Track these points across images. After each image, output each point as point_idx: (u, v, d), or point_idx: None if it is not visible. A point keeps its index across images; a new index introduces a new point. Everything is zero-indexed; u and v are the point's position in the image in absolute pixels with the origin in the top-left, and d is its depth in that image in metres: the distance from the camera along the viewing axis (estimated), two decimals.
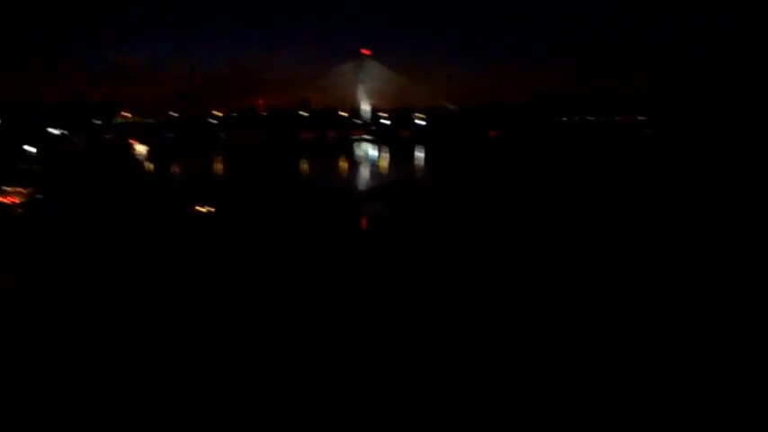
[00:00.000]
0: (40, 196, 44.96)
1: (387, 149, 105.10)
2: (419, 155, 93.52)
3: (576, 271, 22.93)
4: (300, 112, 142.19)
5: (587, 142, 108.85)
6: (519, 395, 13.10)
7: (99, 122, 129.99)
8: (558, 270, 23.08)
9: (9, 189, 44.03)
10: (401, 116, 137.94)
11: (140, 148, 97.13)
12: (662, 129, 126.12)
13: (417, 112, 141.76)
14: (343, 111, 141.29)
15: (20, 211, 39.76)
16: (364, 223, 38.01)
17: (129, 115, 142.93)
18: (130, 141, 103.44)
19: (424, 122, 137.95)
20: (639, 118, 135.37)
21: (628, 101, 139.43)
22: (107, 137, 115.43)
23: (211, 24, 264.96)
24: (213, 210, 38.75)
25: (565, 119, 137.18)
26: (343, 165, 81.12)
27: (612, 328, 16.58)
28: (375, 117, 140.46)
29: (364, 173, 68.93)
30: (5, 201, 41.37)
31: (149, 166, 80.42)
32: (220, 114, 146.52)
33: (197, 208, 38.69)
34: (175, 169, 74.52)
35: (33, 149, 76.66)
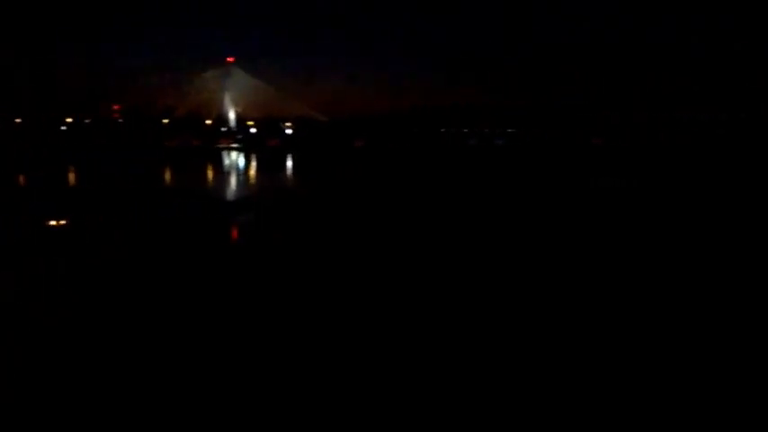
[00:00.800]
0: None
1: (254, 158, 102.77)
2: (287, 164, 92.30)
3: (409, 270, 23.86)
4: (164, 120, 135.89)
5: (450, 153, 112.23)
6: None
7: None
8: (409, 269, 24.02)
9: None
10: (269, 125, 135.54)
11: None
12: (510, 139, 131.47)
13: (285, 120, 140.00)
14: (208, 119, 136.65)
15: None
16: (233, 233, 36.54)
17: None
18: None
19: (291, 131, 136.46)
20: (486, 129, 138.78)
21: (494, 113, 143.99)
22: None
23: (71, 26, 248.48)
24: (67, 222, 35.55)
25: (443, 130, 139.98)
26: (210, 174, 78.12)
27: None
28: (242, 125, 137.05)
29: (231, 182, 66.78)
30: None
31: None
32: (69, 120, 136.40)
33: (50, 222, 35.35)
34: (22, 181, 68.21)
35: None
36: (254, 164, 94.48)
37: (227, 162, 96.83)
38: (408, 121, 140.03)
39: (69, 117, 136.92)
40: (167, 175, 75.58)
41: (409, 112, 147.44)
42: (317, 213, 41.50)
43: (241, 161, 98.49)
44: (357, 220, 38.32)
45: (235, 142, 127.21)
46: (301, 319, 18.09)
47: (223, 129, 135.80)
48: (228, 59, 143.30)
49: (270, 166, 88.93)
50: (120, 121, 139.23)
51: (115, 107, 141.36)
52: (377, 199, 48.22)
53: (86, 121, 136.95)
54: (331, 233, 33.67)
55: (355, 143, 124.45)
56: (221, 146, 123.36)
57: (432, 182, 61.16)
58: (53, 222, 35.28)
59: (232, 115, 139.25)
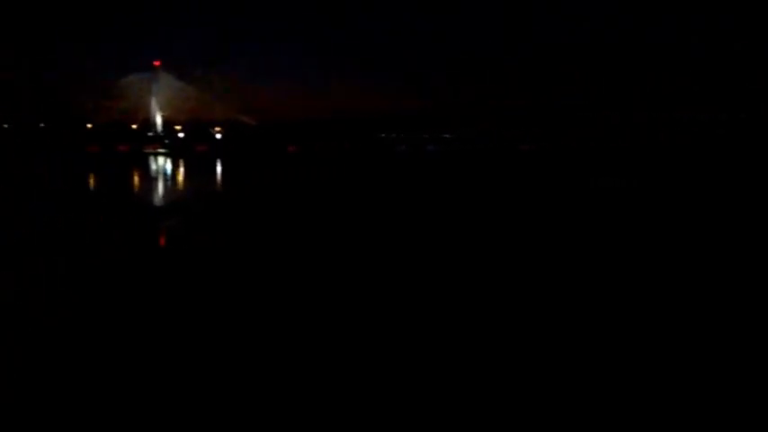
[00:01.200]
0: None
1: (182, 163, 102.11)
2: (216, 168, 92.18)
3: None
4: (87, 125, 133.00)
5: (379, 159, 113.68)
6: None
7: None
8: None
9: None
10: (197, 129, 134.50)
11: None
12: (443, 145, 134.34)
13: (215, 125, 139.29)
14: (134, 123, 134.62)
15: None
16: (161, 239, 36.99)
17: None
18: None
19: (220, 136, 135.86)
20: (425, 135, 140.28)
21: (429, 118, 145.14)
22: None
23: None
24: None
25: (383, 135, 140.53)
26: (137, 179, 77.56)
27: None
28: (169, 130, 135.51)
29: (159, 187, 66.65)
30: None
31: None
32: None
33: None
34: None
35: None
36: (181, 169, 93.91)
37: (153, 167, 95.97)
38: (347, 127, 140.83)
39: None
40: (89, 181, 74.60)
41: (350, 118, 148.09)
42: (242, 218, 42.21)
43: (168, 166, 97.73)
44: (280, 226, 39.05)
45: (162, 147, 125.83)
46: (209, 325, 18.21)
47: (150, 133, 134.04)
48: (155, 63, 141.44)
49: (197, 171, 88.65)
50: (42, 125, 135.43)
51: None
52: (298, 203, 48.89)
53: (4, 126, 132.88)
54: (253, 238, 34.41)
55: (288, 148, 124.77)
56: (148, 151, 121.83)
57: (351, 187, 62.18)
58: None
59: (159, 120, 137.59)
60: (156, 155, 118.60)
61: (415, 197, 52.33)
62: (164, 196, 58.12)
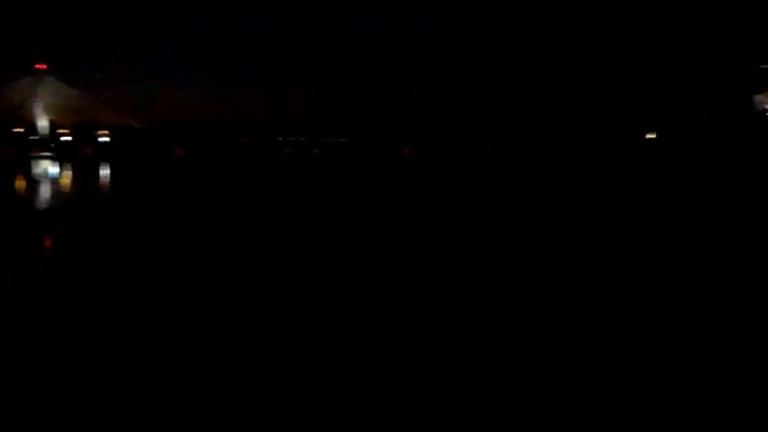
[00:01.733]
0: None
1: (68, 167, 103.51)
2: (102, 172, 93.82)
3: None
4: None
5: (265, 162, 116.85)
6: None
7: None
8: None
9: None
10: (83, 132, 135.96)
11: None
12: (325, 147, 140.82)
13: (101, 128, 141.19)
14: (18, 127, 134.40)
15: None
16: (47, 242, 39.71)
17: None
18: None
19: (107, 139, 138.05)
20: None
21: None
22: None
23: None
24: None
25: (280, 139, 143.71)
26: (21, 183, 78.94)
27: None
28: (54, 134, 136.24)
29: (44, 191, 67.91)
30: None
31: None
32: None
33: None
34: None
35: None
36: (65, 172, 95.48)
37: (36, 171, 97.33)
38: (239, 129, 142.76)
39: None
40: None
41: (246, 121, 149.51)
42: (122, 221, 44.64)
43: (52, 170, 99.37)
44: (157, 229, 41.69)
45: (47, 151, 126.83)
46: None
47: (33, 137, 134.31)
48: (39, 66, 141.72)
49: (81, 174, 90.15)
50: None
51: None
52: (179, 208, 50.40)
53: None
54: (130, 241, 36.90)
55: (175, 151, 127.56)
56: (32, 155, 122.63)
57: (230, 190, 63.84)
58: None
59: (44, 123, 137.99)
60: (40, 158, 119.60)
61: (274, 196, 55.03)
62: (44, 200, 60.18)
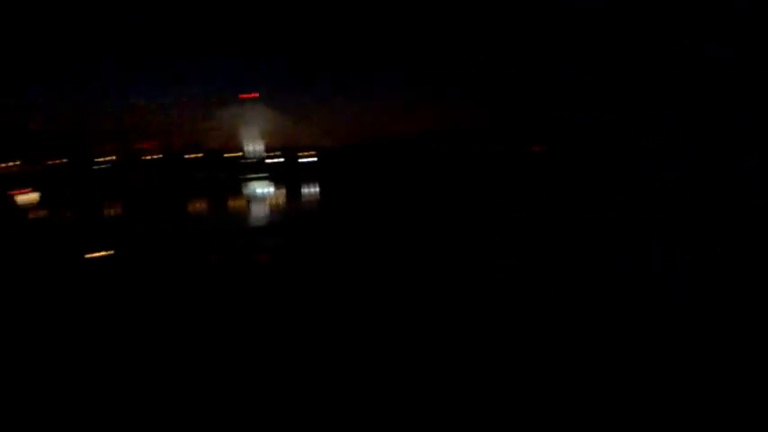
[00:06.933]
0: None
1: (277, 188, 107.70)
2: (309, 191, 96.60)
3: None
4: (189, 155, 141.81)
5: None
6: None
7: None
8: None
9: None
10: (290, 155, 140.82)
11: (29, 197, 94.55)
12: None
13: (306, 150, 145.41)
14: (232, 152, 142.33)
15: None
16: (262, 258, 40.45)
17: (15, 163, 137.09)
18: (12, 191, 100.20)
19: (312, 160, 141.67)
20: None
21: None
22: None
23: (99, 66, 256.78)
24: (110, 253, 40.38)
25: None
26: (236, 204, 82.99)
27: None
28: (264, 157, 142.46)
29: (257, 211, 71.10)
30: None
31: (40, 213, 79.19)
32: (112, 158, 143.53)
33: (89, 254, 40.01)
34: (68, 215, 74.08)
35: None
36: (277, 193, 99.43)
37: (248, 192, 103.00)
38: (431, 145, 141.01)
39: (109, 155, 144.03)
40: (196, 207, 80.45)
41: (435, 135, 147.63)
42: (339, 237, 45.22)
43: (263, 190, 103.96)
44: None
45: (258, 173, 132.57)
46: None
47: (246, 161, 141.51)
48: (250, 95, 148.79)
49: (292, 195, 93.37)
50: (157, 157, 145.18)
51: (151, 144, 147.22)
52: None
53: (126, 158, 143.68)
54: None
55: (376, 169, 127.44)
56: (245, 177, 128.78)
57: None
58: (95, 254, 40.23)
59: (255, 147, 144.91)
60: (253, 180, 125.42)
61: None
62: (259, 218, 62.67)
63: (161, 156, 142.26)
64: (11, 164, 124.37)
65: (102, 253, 40.25)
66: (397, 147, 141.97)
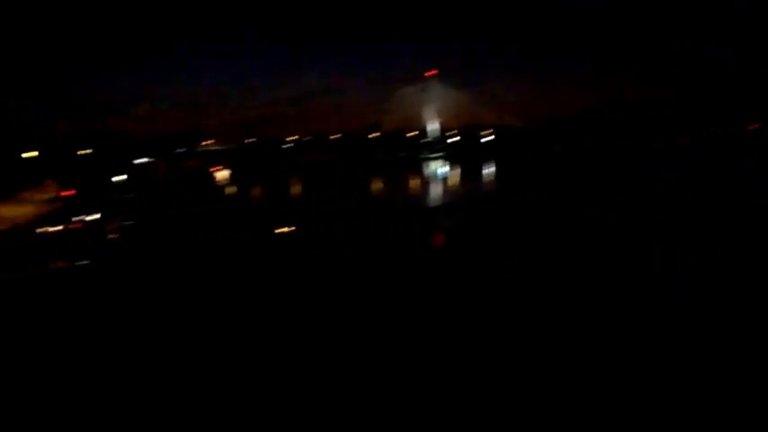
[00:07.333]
0: (131, 222, 48.32)
1: (455, 167, 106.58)
2: (487, 171, 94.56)
3: None
4: (370, 135, 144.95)
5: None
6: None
7: (182, 151, 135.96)
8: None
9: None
10: (468, 134, 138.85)
11: (223, 174, 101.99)
12: None
13: (484, 128, 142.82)
14: (411, 131, 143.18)
15: (115, 236, 43.02)
16: (440, 238, 39.68)
17: (210, 142, 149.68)
18: (212, 167, 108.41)
19: (490, 138, 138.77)
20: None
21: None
22: (190, 164, 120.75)
23: (281, 52, 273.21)
24: (293, 229, 41.01)
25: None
26: (414, 183, 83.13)
27: None
28: (443, 136, 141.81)
29: (435, 190, 70.60)
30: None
31: (232, 189, 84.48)
32: (295, 137, 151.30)
33: (278, 230, 41.07)
34: (257, 192, 78.12)
35: (121, 179, 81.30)
36: (455, 173, 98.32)
37: (428, 171, 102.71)
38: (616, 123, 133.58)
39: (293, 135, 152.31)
40: (376, 186, 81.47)
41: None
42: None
43: (443, 170, 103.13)
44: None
45: (437, 153, 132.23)
46: None
47: (425, 140, 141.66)
48: (429, 73, 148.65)
49: (470, 174, 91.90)
50: (336, 137, 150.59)
51: (331, 125, 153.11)
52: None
53: (308, 138, 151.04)
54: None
55: (554, 147, 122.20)
56: (424, 156, 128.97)
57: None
58: (282, 230, 41.02)
59: (433, 126, 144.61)
60: (431, 159, 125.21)
61: None
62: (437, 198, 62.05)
63: (341, 136, 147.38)
64: (210, 142, 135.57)
65: (286, 229, 41.04)
66: (578, 123, 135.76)
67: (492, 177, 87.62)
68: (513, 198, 54.57)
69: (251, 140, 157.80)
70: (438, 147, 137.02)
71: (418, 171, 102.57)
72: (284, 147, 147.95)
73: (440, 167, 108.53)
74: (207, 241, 38.60)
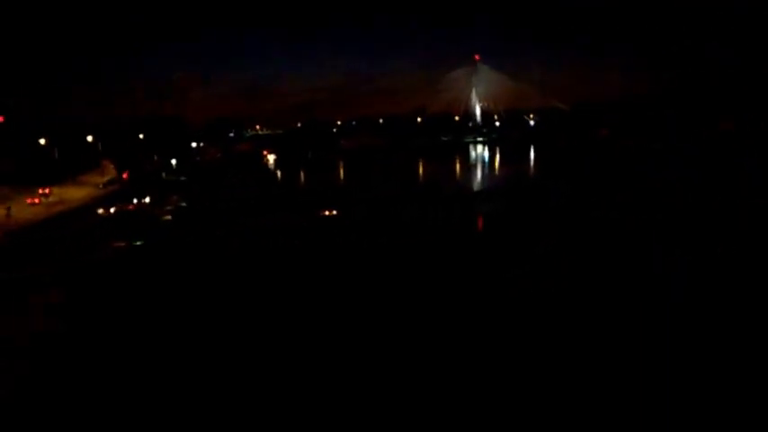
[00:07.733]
0: (184, 204, 50.47)
1: (499, 151, 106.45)
2: (530, 155, 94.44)
3: None
4: (418, 119, 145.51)
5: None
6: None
7: (232, 135, 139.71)
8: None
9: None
10: (512, 117, 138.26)
11: (270, 158, 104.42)
12: None
13: (528, 112, 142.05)
14: (456, 115, 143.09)
15: (168, 218, 45.12)
16: (479, 222, 40.71)
17: (259, 128, 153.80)
18: (262, 152, 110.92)
19: (534, 122, 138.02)
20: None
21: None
22: (240, 148, 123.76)
23: (326, 37, 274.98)
24: (337, 213, 42.57)
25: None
26: (457, 168, 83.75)
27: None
28: (487, 120, 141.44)
29: (477, 175, 71.19)
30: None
31: (279, 173, 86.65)
32: (339, 123, 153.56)
33: (322, 212, 42.65)
34: (302, 176, 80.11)
35: (174, 162, 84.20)
36: (498, 157, 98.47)
37: (472, 154, 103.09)
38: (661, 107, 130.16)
39: (338, 119, 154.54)
40: (419, 170, 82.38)
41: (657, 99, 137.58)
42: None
43: (486, 155, 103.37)
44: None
45: (481, 137, 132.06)
46: None
47: (470, 124, 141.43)
48: (474, 57, 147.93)
49: (513, 158, 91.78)
50: (381, 121, 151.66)
51: (376, 109, 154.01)
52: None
53: (353, 123, 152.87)
54: None
55: (601, 132, 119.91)
56: (468, 139, 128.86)
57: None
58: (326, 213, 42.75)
59: (478, 111, 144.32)
60: (476, 143, 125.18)
61: None
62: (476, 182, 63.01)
63: (387, 120, 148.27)
64: (260, 128, 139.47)
65: (329, 212, 42.60)
66: (623, 108, 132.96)
67: (535, 162, 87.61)
68: (553, 186, 54.57)
69: (299, 125, 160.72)
70: (483, 130, 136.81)
71: (463, 155, 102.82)
72: (331, 130, 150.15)
73: (483, 152, 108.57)
74: (255, 224, 40.28)
